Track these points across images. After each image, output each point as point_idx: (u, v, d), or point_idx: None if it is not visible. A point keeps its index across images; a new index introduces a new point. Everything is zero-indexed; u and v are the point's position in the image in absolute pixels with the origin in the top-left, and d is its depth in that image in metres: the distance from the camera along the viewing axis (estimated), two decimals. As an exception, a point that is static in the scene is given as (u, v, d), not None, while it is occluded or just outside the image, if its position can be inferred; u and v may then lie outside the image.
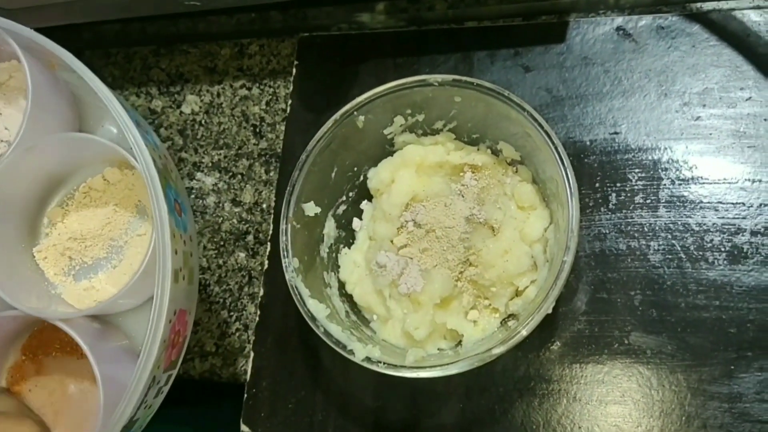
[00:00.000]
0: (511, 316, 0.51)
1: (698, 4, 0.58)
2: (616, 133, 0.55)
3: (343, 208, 0.56)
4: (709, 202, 0.52)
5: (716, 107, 0.54)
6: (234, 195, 0.66)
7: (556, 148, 0.46)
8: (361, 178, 0.56)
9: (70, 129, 0.55)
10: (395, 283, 0.52)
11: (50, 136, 0.52)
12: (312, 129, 0.52)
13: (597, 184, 0.55)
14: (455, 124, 0.54)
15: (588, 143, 0.56)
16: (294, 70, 0.65)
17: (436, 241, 0.52)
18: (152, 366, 0.44)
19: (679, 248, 0.52)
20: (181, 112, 0.70)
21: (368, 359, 0.47)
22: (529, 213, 0.52)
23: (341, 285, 0.55)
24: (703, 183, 0.53)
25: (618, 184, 0.54)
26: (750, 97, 0.54)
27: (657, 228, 0.53)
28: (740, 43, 0.55)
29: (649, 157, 0.54)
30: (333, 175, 0.54)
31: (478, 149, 0.55)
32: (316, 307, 0.49)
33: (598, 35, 0.58)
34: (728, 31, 0.55)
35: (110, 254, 0.56)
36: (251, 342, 0.60)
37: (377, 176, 0.55)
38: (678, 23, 0.56)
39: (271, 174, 0.65)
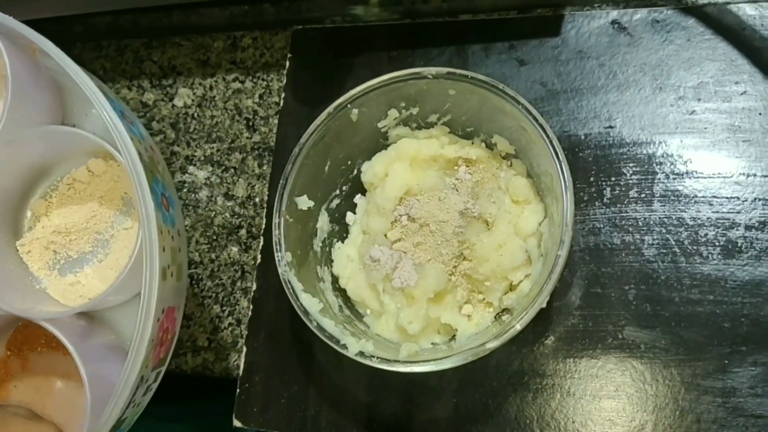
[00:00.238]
0: (505, 310, 0.51)
1: (693, -2, 0.57)
2: (610, 127, 0.55)
3: (336, 201, 0.56)
4: (703, 197, 0.52)
5: (711, 101, 0.54)
6: (227, 189, 0.66)
7: (550, 142, 0.46)
8: (355, 171, 0.56)
9: (53, 119, 0.53)
10: (389, 278, 0.51)
11: (31, 129, 0.50)
12: (305, 122, 0.51)
13: (591, 178, 0.55)
14: (449, 117, 0.53)
15: (583, 137, 0.56)
16: (287, 63, 0.65)
17: (430, 236, 0.51)
18: (140, 366, 0.44)
19: (673, 243, 0.52)
20: (173, 106, 0.69)
21: (361, 354, 0.46)
22: (524, 207, 0.51)
23: (334, 279, 0.55)
24: (698, 177, 0.53)
25: (613, 179, 0.54)
26: (745, 91, 0.53)
27: (651, 222, 0.53)
28: (735, 37, 0.55)
29: (644, 152, 0.54)
30: (326, 168, 0.54)
31: (472, 143, 0.54)
32: (309, 302, 0.49)
33: (593, 29, 0.58)
34: (723, 25, 0.55)
35: (96, 248, 0.55)
36: (244, 337, 0.59)
37: (371, 170, 0.55)
38: (673, 17, 0.56)
39: (264, 168, 0.65)
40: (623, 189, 0.54)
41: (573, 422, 0.51)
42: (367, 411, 0.55)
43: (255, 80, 0.67)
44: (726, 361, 0.49)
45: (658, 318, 0.51)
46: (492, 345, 0.44)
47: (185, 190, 0.66)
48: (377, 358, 0.46)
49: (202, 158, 0.67)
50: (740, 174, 0.52)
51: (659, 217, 0.53)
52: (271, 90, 0.67)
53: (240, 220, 0.65)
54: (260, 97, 0.67)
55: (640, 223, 0.53)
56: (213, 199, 0.66)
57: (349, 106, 0.51)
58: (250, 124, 0.66)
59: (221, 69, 0.68)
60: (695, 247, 0.52)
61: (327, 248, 0.55)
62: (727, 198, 0.52)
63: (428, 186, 0.53)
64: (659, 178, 0.53)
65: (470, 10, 0.62)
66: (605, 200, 0.54)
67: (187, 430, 0.76)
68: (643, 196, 0.53)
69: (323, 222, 0.55)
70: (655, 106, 0.55)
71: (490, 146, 0.54)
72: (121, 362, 0.46)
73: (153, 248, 0.44)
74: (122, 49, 0.72)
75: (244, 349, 0.59)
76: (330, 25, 0.65)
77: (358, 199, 0.57)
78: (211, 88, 0.68)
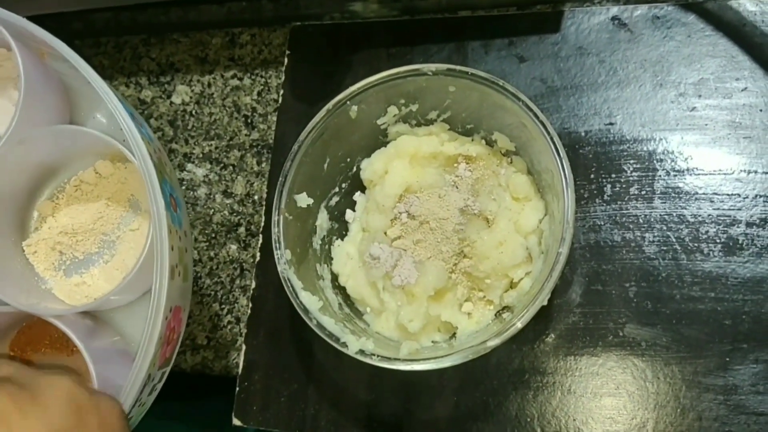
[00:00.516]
0: (506, 308, 0.51)
1: (694, -6, 0.57)
2: (611, 123, 0.55)
3: (336, 199, 0.56)
4: (704, 194, 0.52)
5: (712, 98, 0.54)
6: (225, 186, 0.65)
7: (551, 139, 0.45)
8: (354, 169, 0.56)
9: (62, 120, 0.53)
10: (389, 275, 0.51)
11: (43, 128, 0.50)
12: (304, 119, 0.51)
13: (592, 176, 0.54)
14: (449, 114, 0.53)
15: (583, 134, 0.55)
16: (286, 60, 0.64)
17: (430, 233, 0.51)
18: (149, 364, 0.44)
19: (674, 240, 0.52)
20: (171, 103, 0.69)
21: (362, 352, 0.46)
22: (524, 204, 0.51)
23: (334, 277, 0.54)
24: (699, 174, 0.53)
25: (613, 176, 0.54)
26: (746, 88, 0.53)
27: (652, 219, 0.53)
28: (736, 33, 0.54)
29: (645, 148, 0.54)
30: (325, 166, 0.53)
31: (472, 140, 0.54)
32: (308, 300, 0.49)
33: (593, 25, 0.57)
34: (724, 21, 0.55)
35: (102, 249, 0.55)
36: (243, 335, 0.59)
37: (370, 167, 0.54)
38: (673, 13, 0.56)
39: (263, 165, 0.65)
40: (624, 186, 0.54)
41: (574, 420, 0.51)
42: (367, 409, 0.55)
43: (253, 77, 0.67)
44: (727, 359, 0.49)
45: (659, 315, 0.51)
46: (493, 343, 0.43)
47: (183, 187, 0.66)
48: (377, 356, 0.46)
49: (201, 156, 0.67)
50: (741, 171, 0.52)
51: (660, 214, 0.52)
52: (270, 87, 0.66)
53: (239, 217, 0.64)
54: (259, 94, 0.67)
55: (641, 220, 0.53)
56: (211, 196, 0.66)
57: (348, 103, 0.51)
58: (249, 121, 0.66)
59: (219, 66, 0.68)
60: (696, 244, 0.51)
61: (326, 246, 0.55)
62: (728, 195, 0.52)
63: (428, 183, 0.52)
64: (660, 175, 0.53)
65: (469, 6, 0.61)
66: (606, 197, 0.54)
67: (187, 429, 0.76)
68: (643, 193, 0.53)
69: (322, 219, 0.55)
70: (655, 103, 0.55)
71: (490, 143, 0.53)
72: (126, 364, 0.46)
73: (164, 246, 0.44)
74: (121, 46, 0.71)
75: (244, 347, 0.59)
76: (329, 22, 0.65)
77: (357, 196, 0.57)
78: (209, 85, 0.68)
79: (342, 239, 0.56)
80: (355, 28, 0.64)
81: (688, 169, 0.53)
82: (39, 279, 0.54)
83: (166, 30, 0.70)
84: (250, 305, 0.59)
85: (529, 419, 0.51)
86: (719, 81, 0.54)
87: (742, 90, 0.53)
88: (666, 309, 0.51)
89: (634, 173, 0.54)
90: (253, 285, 0.60)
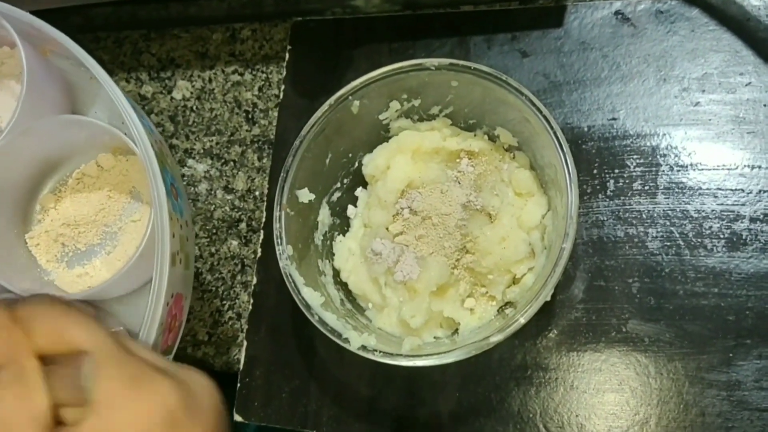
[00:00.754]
0: (508, 303, 0.51)
1: (697, -12, 0.57)
2: (614, 119, 0.55)
3: (337, 195, 0.55)
4: (708, 189, 0.52)
5: (715, 93, 0.53)
6: (226, 182, 0.65)
7: (554, 134, 0.45)
8: (356, 164, 0.56)
9: (63, 113, 0.54)
10: (391, 271, 0.51)
11: (47, 118, 0.51)
12: (305, 115, 0.51)
13: (595, 171, 0.54)
14: (452, 109, 0.53)
15: (586, 129, 0.55)
16: (287, 55, 0.64)
17: (432, 229, 0.51)
18: (151, 348, 0.44)
19: (677, 235, 0.52)
20: (172, 98, 0.69)
21: (364, 348, 0.46)
22: (527, 199, 0.51)
23: (336, 273, 0.54)
24: (702, 169, 0.52)
25: (616, 171, 0.54)
26: (750, 83, 0.53)
27: (655, 215, 0.52)
28: (740, 28, 0.54)
29: (648, 144, 0.54)
30: (327, 161, 0.53)
31: (474, 135, 0.54)
32: (310, 295, 0.48)
33: (597, 20, 0.57)
34: (728, 16, 0.54)
35: (104, 240, 0.55)
36: (244, 331, 0.59)
37: (372, 162, 0.54)
38: (677, 7, 0.55)
39: (264, 161, 0.64)
40: (627, 181, 0.53)
41: (576, 416, 0.50)
42: (369, 405, 0.54)
43: (254, 72, 0.67)
44: (731, 355, 0.49)
45: (662, 311, 0.51)
46: (495, 339, 0.43)
47: (184, 183, 0.66)
48: (380, 352, 0.45)
49: (202, 151, 0.66)
50: (745, 166, 0.52)
51: (663, 210, 0.52)
52: (271, 82, 0.66)
53: (240, 213, 0.64)
54: (260, 89, 0.66)
55: (644, 216, 0.52)
56: (212, 192, 0.65)
57: (350, 98, 0.50)
58: (250, 116, 0.66)
59: (220, 61, 0.68)
60: (699, 240, 0.51)
61: (328, 242, 0.55)
62: (731, 190, 0.52)
63: (430, 179, 0.52)
64: (663, 171, 0.53)
65: (472, 1, 0.61)
66: (609, 193, 0.54)
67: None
68: (647, 188, 0.53)
69: (324, 215, 0.54)
70: (659, 98, 0.54)
71: (492, 138, 0.53)
72: None
73: (165, 231, 0.44)
74: (121, 41, 0.71)
75: (245, 343, 0.58)
76: (330, 17, 0.65)
77: (359, 192, 0.56)
78: (210, 80, 0.68)
79: (344, 235, 0.56)
80: (357, 23, 0.63)
81: (691, 165, 0.53)
82: (42, 270, 0.55)
83: (166, 25, 0.70)
84: (252, 301, 0.59)
85: (531, 415, 0.51)
86: (723, 76, 0.54)
87: (746, 85, 0.53)
88: (669, 305, 0.51)
89: (637, 168, 0.53)
90: (255, 281, 0.60)
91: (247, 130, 0.66)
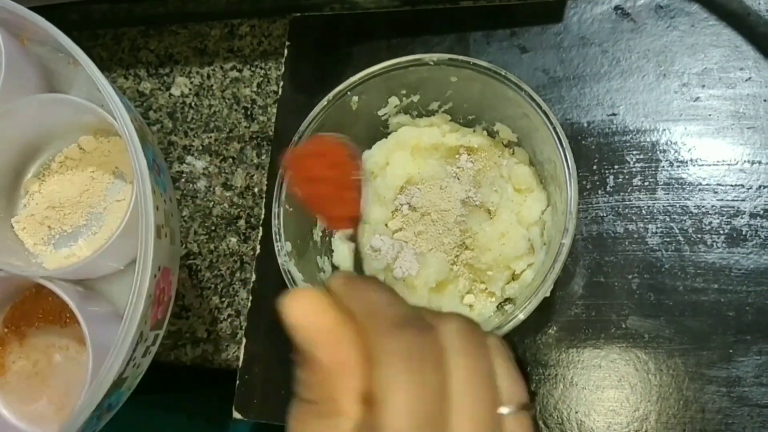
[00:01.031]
0: (508, 300, 0.51)
1: (697, -17, 0.57)
2: (614, 114, 0.55)
3: (336, 191, 0.55)
4: (707, 184, 0.52)
5: (715, 88, 0.53)
6: (225, 179, 0.65)
7: (554, 129, 0.45)
8: (355, 160, 0.55)
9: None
10: (390, 267, 0.51)
11: (26, 98, 0.52)
12: (304, 111, 0.51)
13: (594, 167, 0.54)
14: (451, 105, 0.53)
15: (585, 125, 0.55)
16: (285, 52, 0.64)
17: (432, 225, 0.51)
18: (139, 319, 0.44)
19: (677, 231, 0.51)
20: (170, 95, 0.68)
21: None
22: (526, 195, 0.51)
23: (335, 269, 0.54)
24: (702, 165, 0.52)
25: (616, 167, 0.54)
26: (750, 78, 0.53)
27: (655, 210, 0.52)
28: (740, 23, 0.54)
29: (648, 139, 0.54)
30: (326, 157, 0.53)
31: (474, 131, 0.54)
32: (309, 292, 0.48)
33: (596, 15, 0.57)
34: (728, 11, 0.54)
35: (90, 221, 0.56)
36: (243, 328, 0.59)
37: (371, 159, 0.54)
38: (677, 2, 0.55)
39: (263, 157, 0.64)
40: (626, 177, 0.53)
41: (576, 413, 0.50)
42: (368, 402, 0.54)
43: (253, 69, 0.67)
44: (731, 351, 0.49)
45: (662, 307, 0.50)
46: (494, 335, 0.43)
47: (183, 180, 0.66)
48: (379, 348, 0.45)
49: (200, 148, 0.66)
50: (745, 161, 0.52)
51: (663, 205, 0.52)
52: (270, 79, 0.66)
53: (239, 210, 0.64)
54: (258, 85, 0.66)
55: (644, 212, 0.52)
56: (211, 189, 0.65)
57: (348, 93, 0.50)
58: (249, 113, 0.66)
59: (219, 57, 0.68)
60: (699, 236, 0.51)
61: (327, 238, 0.55)
62: (731, 185, 0.51)
63: (429, 175, 0.52)
64: (663, 166, 0.53)
65: (471, -4, 0.61)
66: (608, 188, 0.53)
67: (188, 419, 0.76)
68: (646, 184, 0.53)
69: (323, 211, 0.54)
70: (658, 93, 0.54)
71: (492, 134, 0.53)
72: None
73: (148, 202, 0.44)
74: (119, 38, 0.71)
75: (244, 340, 0.58)
76: (329, 13, 0.64)
77: (358, 188, 0.56)
78: (208, 77, 0.68)
79: (343, 231, 0.55)
80: (356, 18, 0.63)
81: (691, 160, 0.53)
82: (29, 254, 0.56)
83: (164, 21, 0.69)
84: (251, 298, 0.59)
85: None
86: (723, 71, 0.53)
87: (746, 80, 0.53)
88: (669, 301, 0.50)
89: (637, 164, 0.53)
90: (254, 278, 0.60)
91: (245, 127, 0.65)
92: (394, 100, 0.52)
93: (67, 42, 0.48)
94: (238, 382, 0.57)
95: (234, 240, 0.63)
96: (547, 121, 0.45)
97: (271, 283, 0.59)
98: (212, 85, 0.67)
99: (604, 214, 0.53)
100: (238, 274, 0.63)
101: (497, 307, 0.51)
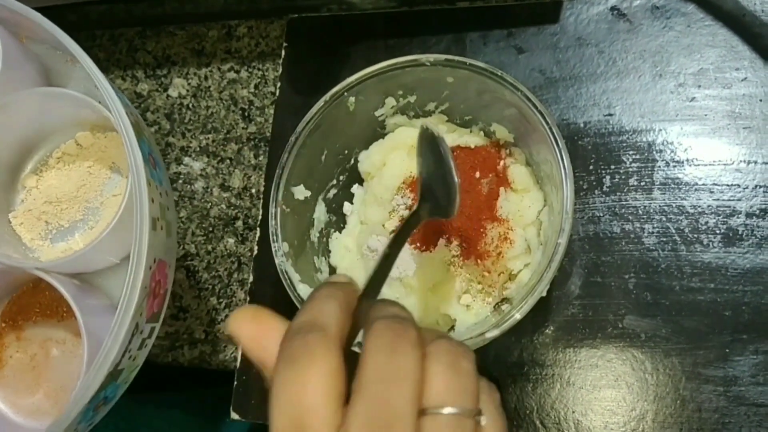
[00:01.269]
0: (505, 300, 0.51)
1: (693, -16, 0.57)
2: (610, 114, 0.55)
3: (333, 191, 0.55)
4: (704, 184, 0.52)
5: (711, 88, 0.53)
6: (222, 180, 0.65)
7: (550, 130, 0.45)
8: (352, 161, 0.55)
9: None
10: (387, 268, 0.51)
11: (23, 91, 0.52)
12: (301, 112, 0.51)
13: (591, 167, 0.54)
14: (447, 105, 0.53)
15: (582, 125, 0.55)
16: (283, 53, 0.64)
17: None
18: (134, 310, 0.43)
19: (673, 231, 0.52)
20: (168, 96, 0.68)
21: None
22: (523, 195, 0.51)
23: (332, 270, 0.54)
24: (698, 165, 0.52)
25: (612, 167, 0.54)
26: (745, 78, 0.53)
27: (651, 210, 0.52)
28: (736, 23, 0.54)
29: (644, 139, 0.54)
30: (323, 158, 0.53)
31: (470, 131, 0.54)
32: (306, 292, 0.48)
33: (592, 15, 0.57)
34: (724, 11, 0.54)
35: (86, 216, 0.56)
36: (241, 328, 0.59)
37: (368, 159, 0.54)
38: (673, 3, 0.55)
39: (261, 158, 0.64)
40: (623, 177, 0.53)
41: (573, 412, 0.50)
42: (365, 402, 0.54)
43: (250, 70, 0.67)
44: (727, 350, 0.49)
45: (659, 307, 0.51)
46: (491, 335, 0.43)
47: (181, 181, 0.66)
48: (376, 348, 0.45)
49: (198, 149, 0.66)
50: (741, 161, 0.52)
51: (659, 205, 0.52)
52: (267, 80, 0.66)
53: (236, 211, 0.64)
54: (256, 86, 0.66)
55: (640, 212, 0.52)
56: (209, 190, 0.65)
57: (345, 94, 0.50)
58: (246, 114, 0.66)
59: (216, 59, 0.68)
60: (696, 235, 0.51)
61: (324, 239, 0.55)
62: (727, 185, 0.51)
63: (426, 175, 0.52)
64: (659, 166, 0.53)
65: (468, -3, 0.61)
66: (605, 188, 0.53)
67: (187, 417, 0.76)
68: (642, 184, 0.53)
69: (320, 212, 0.54)
70: (654, 93, 0.54)
71: (488, 134, 0.53)
72: None
73: (143, 194, 0.44)
74: (116, 39, 0.71)
75: (242, 341, 0.58)
76: (326, 14, 0.64)
77: (355, 188, 0.56)
78: (206, 78, 0.68)
79: (340, 232, 0.55)
80: (353, 19, 0.63)
81: (687, 160, 0.53)
82: (26, 249, 0.56)
83: (162, 22, 0.70)
84: (248, 299, 0.59)
85: (528, 411, 0.51)
86: (719, 71, 0.54)
87: (741, 80, 0.53)
88: (665, 300, 0.51)
89: (633, 164, 0.53)
90: (251, 279, 0.60)
91: (243, 128, 0.65)
92: (391, 101, 0.52)
93: (65, 38, 0.48)
94: (235, 382, 0.57)
95: (231, 241, 0.64)
96: (544, 121, 0.45)
97: (269, 284, 0.59)
98: (210, 87, 0.67)
99: (601, 214, 0.53)
100: (235, 275, 0.63)
101: (494, 307, 0.51)
